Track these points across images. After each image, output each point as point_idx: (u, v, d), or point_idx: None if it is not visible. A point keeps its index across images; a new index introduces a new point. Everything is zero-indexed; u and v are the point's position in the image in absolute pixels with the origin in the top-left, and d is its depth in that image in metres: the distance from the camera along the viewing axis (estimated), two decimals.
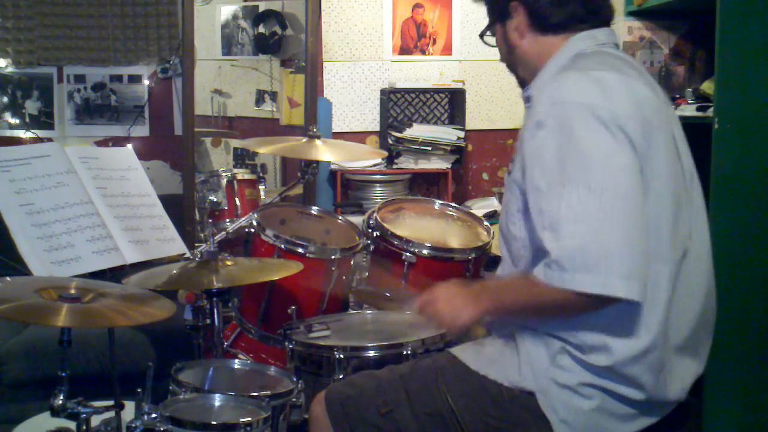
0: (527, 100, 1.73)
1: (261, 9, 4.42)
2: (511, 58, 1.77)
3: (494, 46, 1.83)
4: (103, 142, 4.43)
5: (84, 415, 1.72)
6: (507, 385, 1.63)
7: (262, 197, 3.64)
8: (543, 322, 1.59)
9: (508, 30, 1.73)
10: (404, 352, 2.07)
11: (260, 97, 4.51)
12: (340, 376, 2.06)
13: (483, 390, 1.65)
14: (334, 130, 4.35)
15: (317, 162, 2.88)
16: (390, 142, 4.14)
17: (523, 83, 1.78)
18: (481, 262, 2.58)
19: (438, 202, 2.95)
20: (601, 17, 1.70)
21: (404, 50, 4.41)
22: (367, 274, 2.62)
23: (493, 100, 4.44)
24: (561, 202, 1.45)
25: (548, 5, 1.66)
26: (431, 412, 1.68)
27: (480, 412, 1.63)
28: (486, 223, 2.82)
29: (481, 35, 1.84)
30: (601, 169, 1.45)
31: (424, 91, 4.36)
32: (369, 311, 2.54)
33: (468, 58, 4.43)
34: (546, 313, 1.55)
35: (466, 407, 1.65)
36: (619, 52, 1.70)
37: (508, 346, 1.67)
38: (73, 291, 1.77)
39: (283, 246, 2.47)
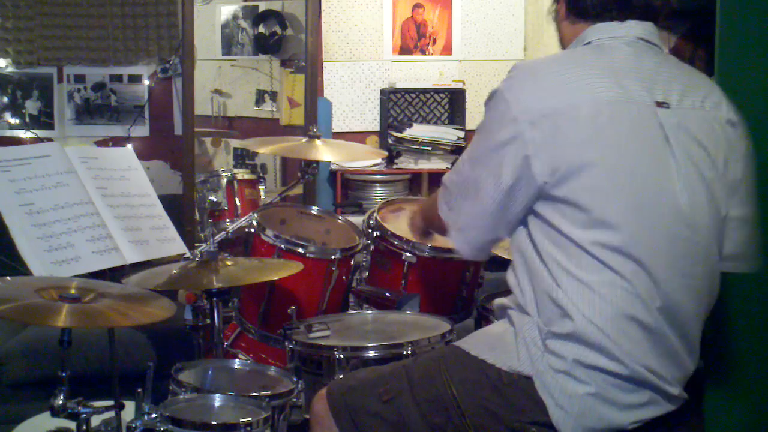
0: None
1: (261, 9, 4.42)
2: (559, 38, 1.84)
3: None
4: (103, 142, 4.43)
5: (84, 415, 1.72)
6: (506, 370, 1.64)
7: (262, 197, 3.64)
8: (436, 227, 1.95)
9: (558, 12, 1.80)
10: (404, 352, 2.07)
11: (260, 97, 4.51)
12: (341, 376, 2.06)
13: (483, 375, 1.66)
14: (334, 130, 4.35)
15: (317, 162, 2.87)
16: (390, 142, 4.14)
17: None
18: (481, 262, 2.58)
19: None
20: (635, 9, 1.69)
21: (404, 50, 4.42)
22: (367, 274, 2.62)
23: None
24: (462, 156, 1.76)
25: None
26: (433, 399, 1.69)
27: (480, 397, 1.65)
28: None
29: (550, 13, 1.88)
30: (480, 145, 1.68)
31: (424, 91, 4.36)
32: (369, 311, 2.54)
33: (468, 58, 4.43)
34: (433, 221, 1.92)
35: (467, 392, 1.66)
36: (624, 45, 1.68)
37: (507, 332, 1.68)
38: (73, 291, 1.77)
39: (283, 246, 2.47)
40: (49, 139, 4.29)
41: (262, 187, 3.70)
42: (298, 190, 3.79)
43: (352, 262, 2.59)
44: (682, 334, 1.62)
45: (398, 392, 1.72)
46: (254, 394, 1.90)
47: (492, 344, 1.70)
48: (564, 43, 1.80)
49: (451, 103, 4.41)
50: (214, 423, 1.75)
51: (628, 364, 1.56)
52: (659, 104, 1.62)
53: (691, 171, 1.61)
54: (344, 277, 2.57)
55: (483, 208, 1.66)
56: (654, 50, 1.70)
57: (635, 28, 1.69)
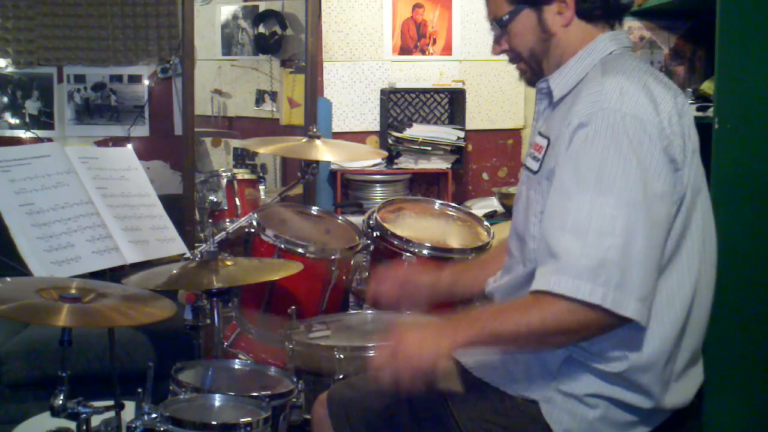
0: (544, 92, 1.69)
1: (261, 9, 4.42)
2: (541, 46, 1.67)
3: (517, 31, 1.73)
4: (103, 142, 4.43)
5: (84, 415, 1.72)
6: (510, 393, 1.62)
7: (262, 197, 3.64)
8: (540, 348, 1.55)
9: (546, 15, 1.65)
10: None
11: (260, 97, 4.51)
12: (340, 377, 2.06)
13: (485, 397, 1.64)
14: (334, 130, 4.35)
15: (317, 162, 2.88)
16: (390, 142, 4.14)
17: (536, 77, 1.72)
18: None
19: (438, 202, 2.95)
20: (622, 13, 1.71)
21: (404, 50, 4.41)
22: (367, 274, 2.62)
23: (493, 100, 4.44)
24: (594, 208, 1.43)
25: None
26: (432, 418, 1.67)
27: (481, 419, 1.62)
28: (486, 223, 2.82)
29: (499, 22, 1.68)
30: (641, 188, 1.43)
31: (424, 91, 4.36)
32: (369, 311, 2.54)
33: (468, 58, 4.43)
34: (552, 336, 1.47)
35: (468, 414, 1.64)
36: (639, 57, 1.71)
37: (512, 354, 1.65)
38: (73, 291, 1.77)
39: (283, 246, 2.47)
40: (49, 139, 4.29)
41: (262, 187, 3.70)
42: (298, 190, 3.79)
43: (352, 262, 2.59)
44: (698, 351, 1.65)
45: (398, 410, 1.71)
46: (254, 394, 1.90)
47: (494, 366, 1.67)
48: (564, 49, 1.66)
49: (451, 103, 4.41)
50: (214, 423, 1.75)
51: (656, 399, 1.56)
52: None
53: (701, 175, 1.65)
54: (344, 277, 2.56)
55: (656, 243, 1.49)
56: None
57: (627, 38, 1.70)
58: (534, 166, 1.63)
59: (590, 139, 1.47)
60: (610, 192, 1.43)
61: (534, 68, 1.72)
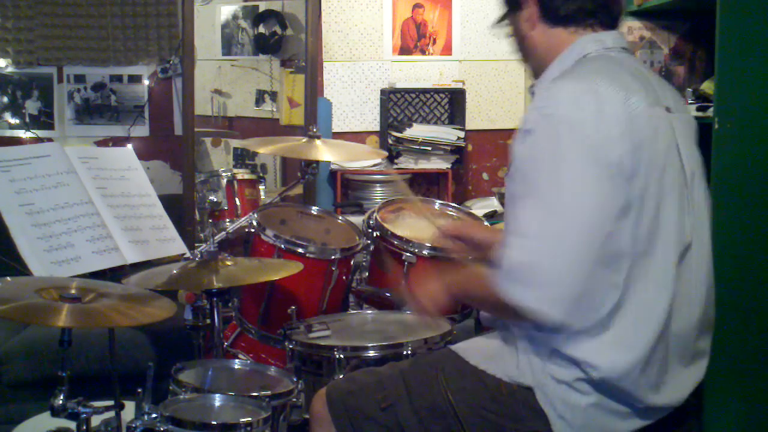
0: (533, 95, 1.72)
1: (261, 9, 4.42)
2: (521, 48, 1.77)
3: (508, 36, 1.84)
4: (103, 142, 4.43)
5: (84, 415, 1.72)
6: (505, 380, 1.63)
7: (262, 197, 3.64)
8: (500, 317, 1.68)
9: (520, 20, 1.73)
10: (404, 353, 2.07)
11: (260, 97, 4.51)
12: (340, 376, 2.06)
13: (482, 385, 1.65)
14: (334, 130, 4.35)
15: (317, 162, 2.87)
16: (390, 142, 4.14)
17: (536, 75, 1.77)
18: (482, 262, 2.58)
19: (438, 202, 2.95)
20: (611, 14, 1.69)
21: (404, 50, 4.42)
22: (367, 274, 2.62)
23: (493, 100, 4.44)
24: (526, 212, 1.50)
25: None
26: (430, 407, 1.68)
27: (478, 406, 1.64)
28: (486, 223, 2.82)
29: (496, 24, 1.84)
30: (571, 195, 1.48)
31: (424, 91, 4.36)
32: (369, 311, 2.54)
33: (468, 58, 4.43)
34: (500, 312, 1.61)
35: (465, 402, 1.65)
36: (625, 56, 1.68)
37: (507, 342, 1.67)
38: (73, 291, 1.77)
39: (283, 246, 2.47)
40: (49, 139, 4.29)
41: (262, 187, 3.70)
42: (298, 190, 3.79)
43: (352, 262, 2.59)
44: (688, 347, 1.64)
45: (396, 399, 1.72)
46: (254, 394, 1.90)
47: (491, 354, 1.69)
48: (535, 53, 1.72)
49: (451, 103, 4.41)
50: (214, 423, 1.75)
51: (645, 400, 1.56)
52: (667, 109, 1.63)
53: (696, 177, 1.64)
54: (344, 277, 2.56)
55: (587, 248, 1.49)
56: (634, 57, 1.73)
57: (618, 39, 1.69)
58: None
59: (532, 145, 1.53)
60: (542, 198, 1.49)
61: (528, 67, 1.81)
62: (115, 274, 2.50)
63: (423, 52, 4.43)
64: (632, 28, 3.00)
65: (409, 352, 2.06)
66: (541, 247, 1.46)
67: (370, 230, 2.61)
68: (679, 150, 1.61)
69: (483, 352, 1.71)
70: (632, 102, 1.53)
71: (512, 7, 1.76)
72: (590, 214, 1.47)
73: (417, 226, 2.74)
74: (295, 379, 2.02)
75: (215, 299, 2.20)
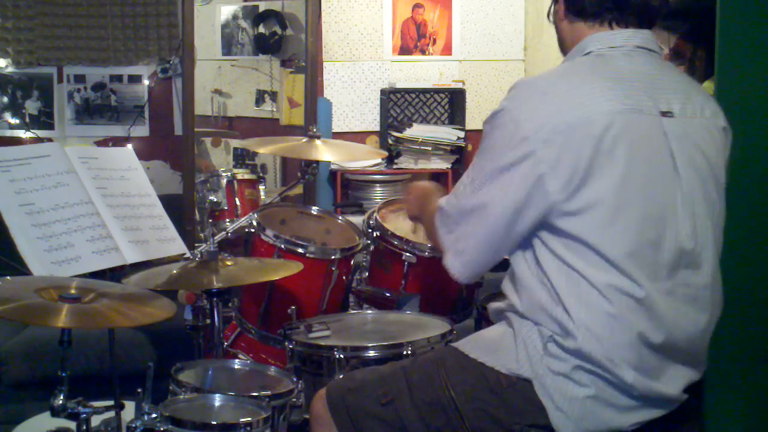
0: None
1: (261, 9, 4.42)
2: (559, 38, 1.82)
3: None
4: (103, 142, 4.43)
5: (84, 415, 1.72)
6: (505, 373, 1.64)
7: (262, 197, 3.64)
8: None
9: (557, 12, 1.78)
10: (404, 352, 2.07)
11: (260, 97, 4.51)
12: (340, 376, 2.06)
13: (482, 378, 1.66)
14: (334, 130, 4.35)
15: (317, 162, 2.87)
16: (390, 142, 4.14)
17: None
18: None
19: None
20: (634, 12, 1.68)
21: (404, 50, 4.42)
22: (367, 274, 2.62)
23: (493, 100, 4.43)
24: (465, 175, 1.70)
25: None
26: (431, 401, 1.69)
27: (479, 399, 1.64)
28: None
29: (548, 14, 1.87)
30: (482, 176, 1.63)
31: (424, 91, 4.36)
32: (369, 311, 2.54)
33: (468, 58, 4.43)
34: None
35: (465, 395, 1.66)
36: (622, 55, 1.67)
37: (507, 335, 1.68)
38: (73, 291, 1.77)
39: (283, 246, 2.47)
40: (49, 139, 4.29)
41: (262, 187, 3.70)
42: (298, 190, 3.79)
43: (352, 262, 2.59)
44: (691, 352, 1.64)
45: (397, 394, 1.72)
46: (254, 394, 1.90)
47: (491, 347, 1.70)
48: (564, 44, 1.78)
49: (451, 103, 4.41)
50: (214, 423, 1.75)
51: (633, 384, 1.56)
52: (664, 114, 1.62)
53: (694, 182, 1.62)
54: (344, 277, 2.56)
55: (488, 230, 1.63)
56: (654, 57, 1.70)
57: (633, 37, 1.68)
58: None
59: (485, 131, 1.68)
60: (474, 167, 1.67)
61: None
62: (115, 274, 2.49)
63: (423, 52, 4.43)
64: None
65: (409, 352, 2.06)
66: (455, 207, 1.70)
67: (370, 230, 2.61)
68: (673, 154, 1.60)
69: (483, 345, 1.72)
70: (590, 101, 1.56)
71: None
72: (496, 193, 1.61)
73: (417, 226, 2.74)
74: (295, 379, 2.02)
75: (215, 299, 2.20)
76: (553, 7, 1.81)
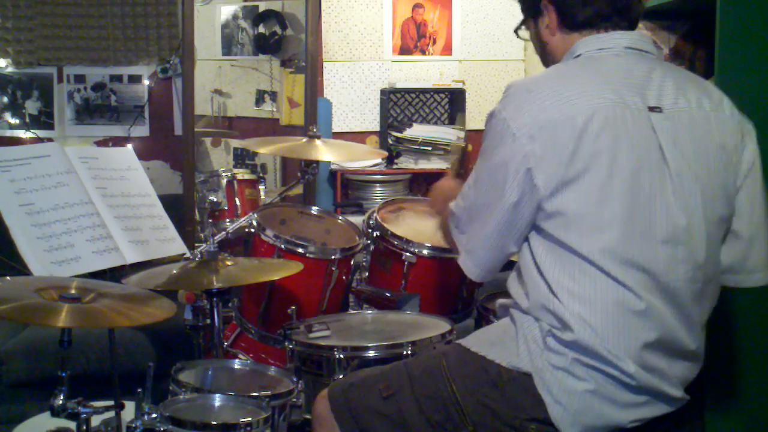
0: None
1: (261, 9, 4.42)
2: (543, 53, 1.84)
3: (528, 40, 1.91)
4: (103, 142, 4.43)
5: (84, 415, 1.72)
6: (505, 366, 1.64)
7: (262, 197, 3.64)
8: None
9: (540, 26, 1.80)
10: (404, 352, 2.07)
11: (260, 97, 4.51)
12: (340, 376, 2.06)
13: (483, 371, 1.67)
14: (334, 130, 4.35)
15: (317, 162, 2.88)
16: (390, 142, 4.14)
17: None
18: None
19: None
20: (629, 16, 1.73)
21: (404, 50, 4.42)
22: (367, 274, 2.62)
23: (493, 100, 4.44)
24: (469, 184, 1.74)
25: (576, 3, 1.72)
26: (432, 395, 1.70)
27: (479, 393, 1.65)
28: None
29: (516, 30, 1.92)
30: (483, 178, 1.69)
31: (424, 91, 4.36)
32: (369, 311, 2.54)
33: (468, 58, 4.43)
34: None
35: (467, 389, 1.67)
36: (612, 55, 1.68)
37: (509, 329, 1.70)
38: (73, 291, 1.77)
39: (283, 246, 2.47)
40: (49, 139, 4.29)
41: (262, 187, 3.70)
42: (298, 190, 3.79)
43: (352, 262, 2.59)
44: (690, 335, 1.63)
45: (398, 388, 1.73)
46: (254, 394, 1.90)
47: (493, 341, 1.71)
48: (555, 56, 1.79)
49: (451, 103, 4.41)
50: (214, 423, 1.75)
51: (633, 374, 1.56)
52: (652, 109, 1.62)
53: (685, 174, 1.61)
54: (344, 277, 2.57)
55: (491, 228, 1.67)
56: (646, 57, 1.71)
57: (622, 39, 1.71)
58: None
59: (483, 136, 1.72)
60: (475, 169, 1.72)
61: None
62: (115, 274, 2.50)
63: (423, 52, 4.43)
64: None
65: (409, 352, 2.07)
66: (462, 209, 1.75)
67: (370, 230, 2.61)
68: (662, 149, 1.61)
69: (485, 339, 1.74)
70: (579, 100, 1.58)
71: (532, 14, 1.82)
72: (498, 204, 1.64)
73: (417, 226, 2.74)
74: (295, 379, 2.02)
75: (215, 299, 2.20)
76: (533, 24, 1.82)
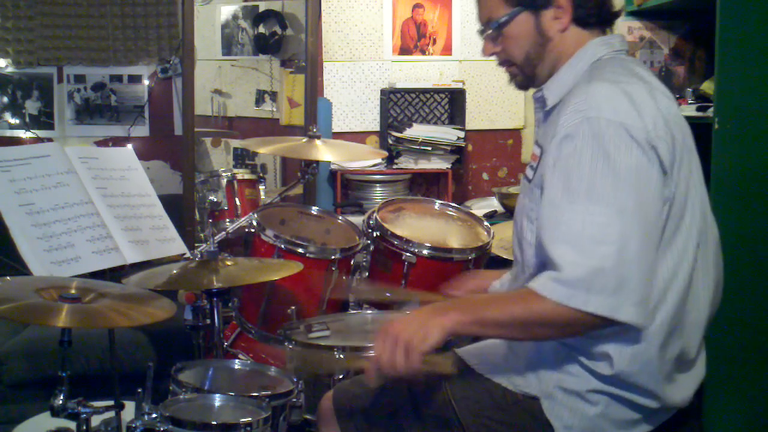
0: (540, 101, 1.70)
1: (261, 9, 4.42)
2: (537, 50, 1.66)
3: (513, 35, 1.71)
4: (103, 142, 4.43)
5: (84, 415, 1.72)
6: (511, 389, 1.62)
7: (262, 197, 3.64)
8: (528, 338, 1.58)
9: (543, 19, 1.64)
10: None
11: (260, 97, 4.51)
12: (340, 376, 2.06)
13: (487, 393, 1.65)
14: (334, 130, 4.35)
15: (317, 162, 2.88)
16: (390, 142, 4.14)
17: (528, 81, 1.72)
18: (481, 262, 2.58)
19: (438, 202, 2.95)
20: (615, 17, 1.72)
21: (404, 50, 4.41)
22: (367, 274, 2.62)
23: (493, 100, 4.44)
24: (586, 218, 1.44)
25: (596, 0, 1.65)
26: (434, 414, 1.68)
27: (483, 415, 1.63)
28: (486, 223, 2.82)
29: (495, 24, 1.67)
30: (632, 194, 1.45)
31: (424, 91, 4.36)
32: (369, 311, 2.54)
33: (468, 58, 4.43)
34: (538, 329, 1.49)
35: (469, 410, 1.65)
36: (634, 59, 1.71)
37: (514, 350, 1.67)
38: (73, 291, 1.77)
39: (283, 246, 2.47)
40: (49, 139, 4.29)
41: (262, 187, 3.70)
42: (298, 190, 3.79)
43: (352, 262, 2.59)
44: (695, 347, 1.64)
45: (400, 406, 1.71)
46: (254, 394, 1.90)
47: (497, 361, 1.68)
48: (561, 53, 1.65)
49: (451, 103, 4.41)
50: (214, 423, 1.75)
51: (661, 396, 1.56)
52: None
53: (700, 170, 1.64)
54: (344, 277, 2.56)
55: (647, 245, 1.47)
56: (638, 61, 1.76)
57: (623, 43, 1.70)
58: (530, 174, 1.66)
59: (578, 150, 1.48)
60: (602, 201, 1.44)
61: (527, 73, 1.71)
62: (115, 274, 2.49)
63: (423, 52, 4.43)
64: (632, 28, 3.00)
65: None
66: (610, 251, 1.41)
67: (370, 230, 2.61)
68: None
69: (489, 359, 1.70)
70: (662, 104, 1.55)
71: (533, 5, 1.64)
72: (651, 209, 1.47)
73: (417, 226, 2.74)
74: (295, 379, 2.02)
75: (215, 299, 2.20)
76: (532, 16, 1.64)
